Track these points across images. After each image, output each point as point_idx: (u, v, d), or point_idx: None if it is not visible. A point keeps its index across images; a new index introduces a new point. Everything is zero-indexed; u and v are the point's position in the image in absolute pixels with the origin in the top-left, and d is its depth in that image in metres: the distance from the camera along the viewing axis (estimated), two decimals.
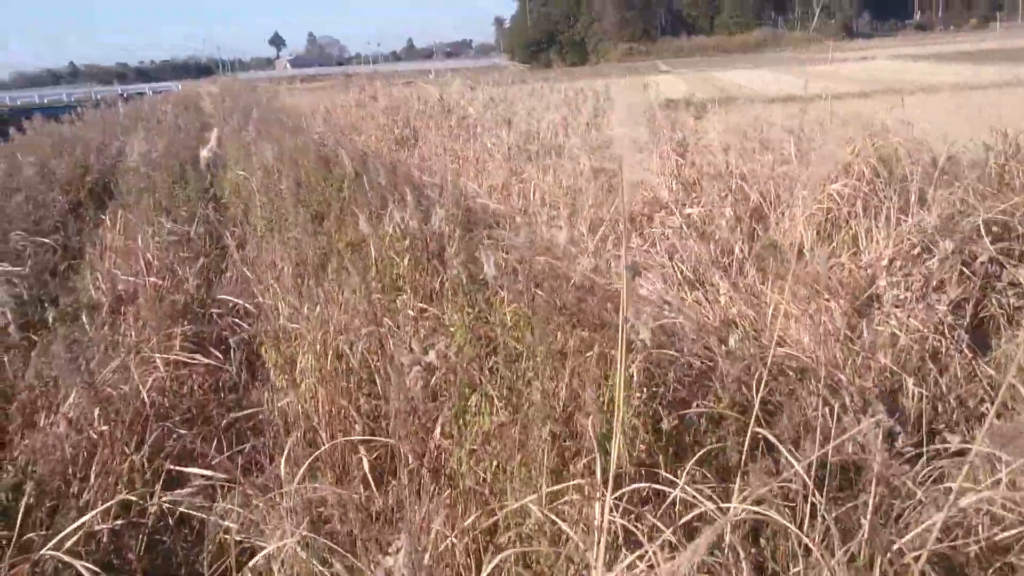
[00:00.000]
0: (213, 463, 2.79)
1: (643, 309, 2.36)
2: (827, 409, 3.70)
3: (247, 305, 4.35)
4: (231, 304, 4.72)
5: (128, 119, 20.17)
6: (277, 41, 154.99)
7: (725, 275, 5.66)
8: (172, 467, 2.81)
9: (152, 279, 4.74)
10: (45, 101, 56.02)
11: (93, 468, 2.73)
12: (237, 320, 4.32)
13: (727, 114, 9.94)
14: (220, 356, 4.07)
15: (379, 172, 5.86)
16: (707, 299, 5.48)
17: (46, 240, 7.11)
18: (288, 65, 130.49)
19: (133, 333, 4.22)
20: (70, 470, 2.83)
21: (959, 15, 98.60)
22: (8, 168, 9.39)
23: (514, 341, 3.62)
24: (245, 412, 3.04)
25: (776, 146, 7.28)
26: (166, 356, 3.49)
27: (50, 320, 4.18)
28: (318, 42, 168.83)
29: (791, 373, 4.42)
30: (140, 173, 8.57)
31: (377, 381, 3.45)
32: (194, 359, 3.80)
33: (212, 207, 8.08)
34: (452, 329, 4.18)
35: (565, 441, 2.90)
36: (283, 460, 2.54)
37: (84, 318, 4.28)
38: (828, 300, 4.99)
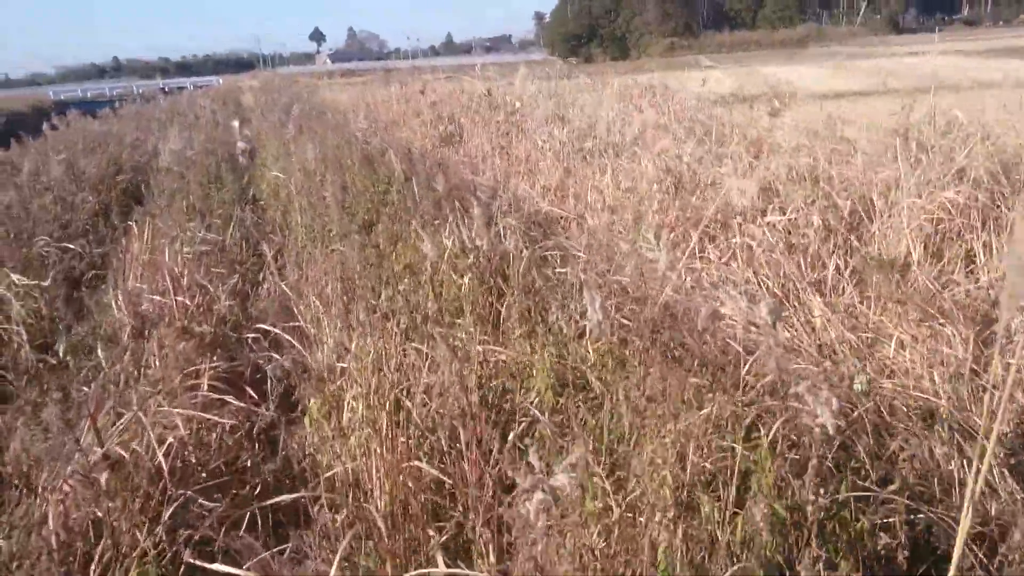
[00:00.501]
0: (243, 548, 2.21)
1: (818, 381, 1.72)
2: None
3: (284, 334, 3.74)
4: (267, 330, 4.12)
5: (165, 114, 19.75)
6: (317, 36, 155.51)
7: (818, 293, 5.06)
8: (193, 560, 2.21)
9: (180, 299, 4.17)
10: (88, 95, 56.45)
11: (93, 566, 2.15)
12: (275, 354, 3.71)
13: (791, 111, 9.29)
14: (254, 395, 3.48)
15: (433, 176, 5.27)
16: (799, 321, 4.88)
17: (72, 246, 6.60)
18: (328, 60, 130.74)
19: (157, 363, 3.67)
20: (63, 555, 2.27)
21: (1008, 10, 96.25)
22: (37, 167, 8.90)
23: (603, 386, 3.02)
24: (283, 499, 2.44)
25: (861, 147, 6.66)
26: (189, 412, 2.90)
27: (61, 352, 3.63)
28: (358, 37, 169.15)
29: (910, 414, 3.80)
30: (173, 173, 8.05)
31: (441, 436, 2.84)
32: (223, 401, 3.20)
33: (249, 209, 7.57)
34: (516, 363, 3.60)
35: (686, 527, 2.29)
36: (334, 568, 1.93)
37: (99, 351, 3.71)
38: (944, 325, 4.36)
